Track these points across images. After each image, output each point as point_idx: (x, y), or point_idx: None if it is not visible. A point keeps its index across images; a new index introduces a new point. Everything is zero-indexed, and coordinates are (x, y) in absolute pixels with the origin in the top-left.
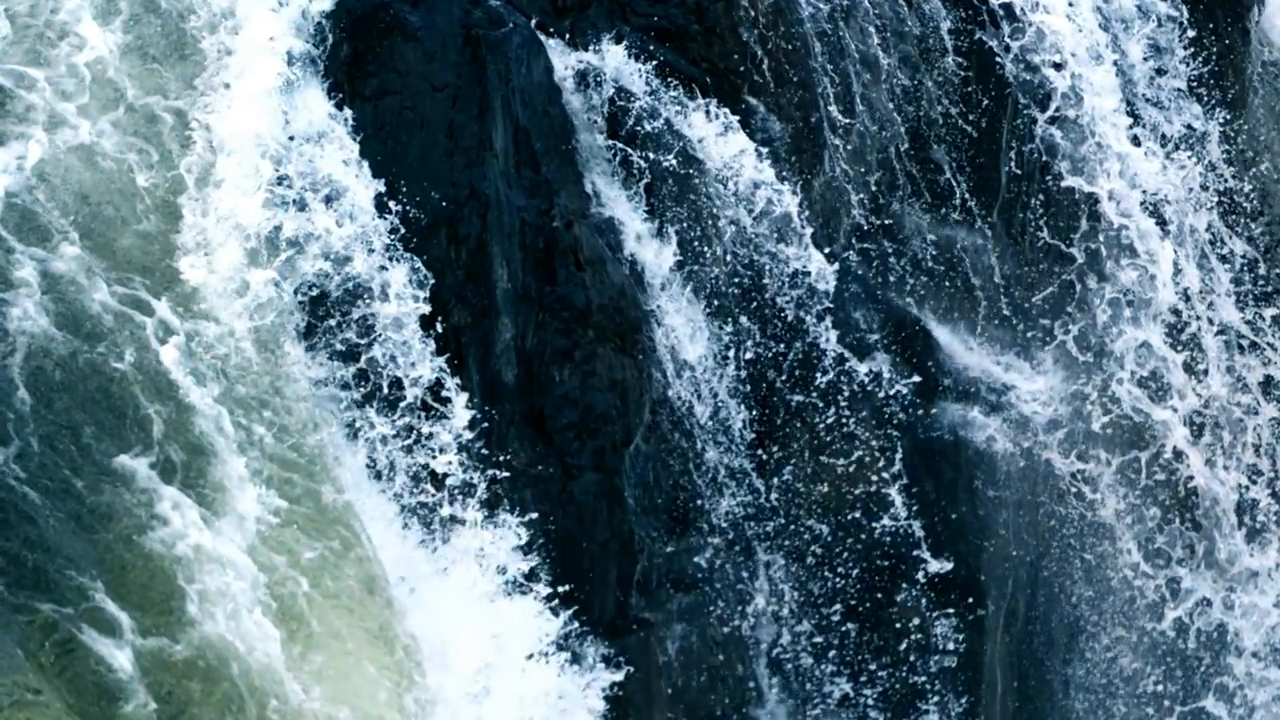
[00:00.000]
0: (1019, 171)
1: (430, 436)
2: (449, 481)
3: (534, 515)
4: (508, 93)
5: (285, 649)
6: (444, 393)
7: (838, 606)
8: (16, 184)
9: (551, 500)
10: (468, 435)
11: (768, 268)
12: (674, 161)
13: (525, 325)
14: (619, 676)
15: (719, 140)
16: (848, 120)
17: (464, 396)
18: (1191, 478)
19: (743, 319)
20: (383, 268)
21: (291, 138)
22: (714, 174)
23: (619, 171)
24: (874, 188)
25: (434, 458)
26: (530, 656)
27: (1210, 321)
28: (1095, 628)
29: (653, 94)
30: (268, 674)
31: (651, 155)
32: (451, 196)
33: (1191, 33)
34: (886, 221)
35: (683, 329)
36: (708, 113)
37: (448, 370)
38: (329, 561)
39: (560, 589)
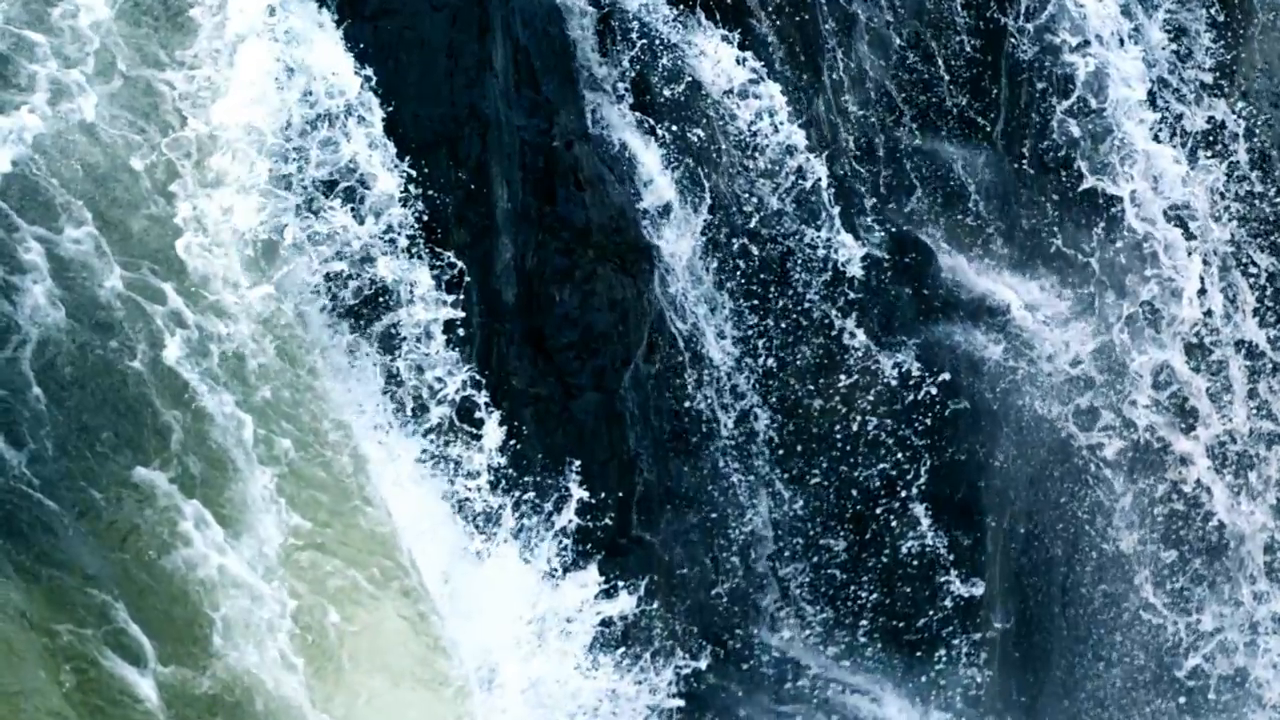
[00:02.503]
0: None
1: (462, 459)
2: (477, 508)
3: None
4: (507, 12)
5: (313, 686)
6: (477, 415)
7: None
8: (18, 156)
9: (551, 420)
10: (499, 460)
11: (794, 249)
12: (700, 134)
13: (525, 245)
14: (703, 663)
15: (751, 91)
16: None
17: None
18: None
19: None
20: (408, 269)
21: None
22: (742, 138)
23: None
24: (873, 106)
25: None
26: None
27: (1238, 345)
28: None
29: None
30: (295, 713)
31: (675, 127)
32: (451, 116)
33: (1222, 16)
34: (885, 140)
35: (707, 324)
36: (738, 60)
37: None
38: (365, 592)
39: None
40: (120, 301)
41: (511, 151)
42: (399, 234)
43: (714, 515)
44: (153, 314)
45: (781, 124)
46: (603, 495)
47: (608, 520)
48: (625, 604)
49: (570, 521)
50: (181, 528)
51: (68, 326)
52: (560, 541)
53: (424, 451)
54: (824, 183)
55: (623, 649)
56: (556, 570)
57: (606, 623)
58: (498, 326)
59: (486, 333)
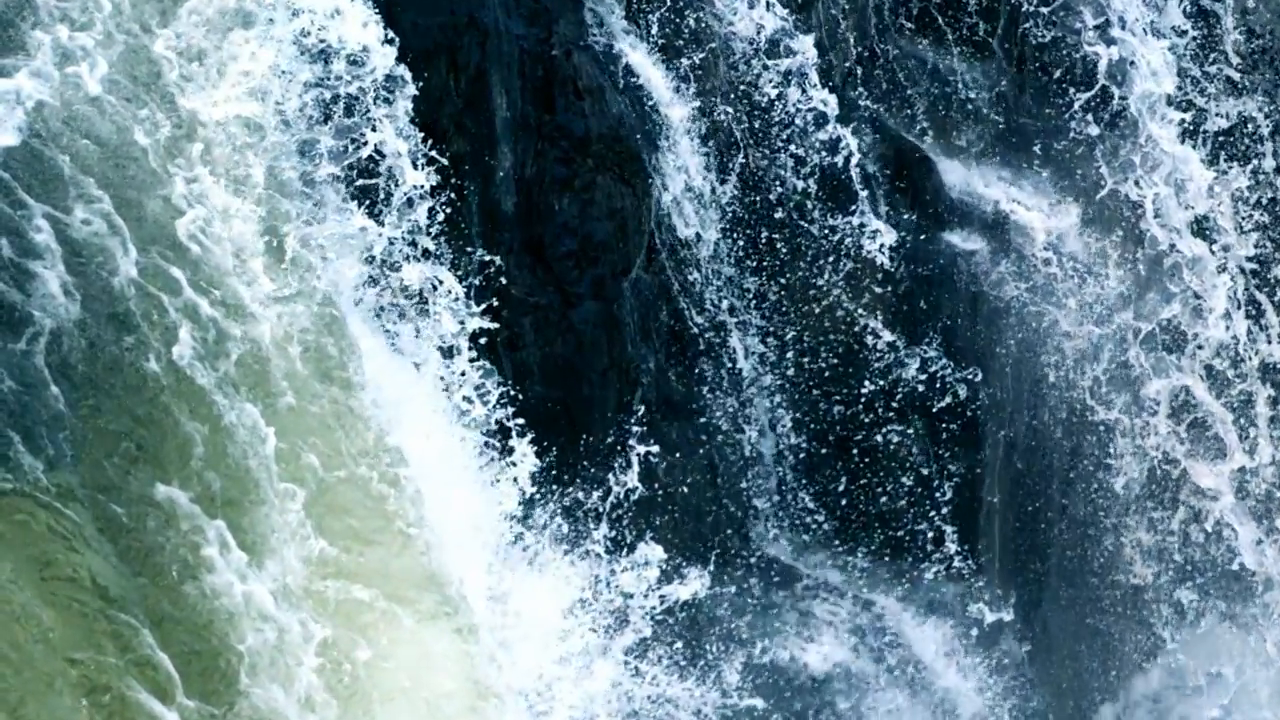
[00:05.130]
0: None
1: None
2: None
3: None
4: None
5: None
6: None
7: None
8: (24, 126)
9: (550, 329)
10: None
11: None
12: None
13: (524, 154)
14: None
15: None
16: None
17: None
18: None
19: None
20: (437, 274)
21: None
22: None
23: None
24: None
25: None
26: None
27: (1264, 372)
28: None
29: None
30: None
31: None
32: (450, 25)
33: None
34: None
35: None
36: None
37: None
38: (404, 627)
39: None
40: (135, 291)
41: (510, 60)
42: (428, 234)
43: (713, 424)
44: (168, 308)
45: (813, 87)
46: (604, 404)
47: (608, 429)
48: (694, 586)
49: (632, 489)
50: (205, 553)
51: (81, 318)
52: (614, 521)
53: (465, 467)
54: (855, 159)
55: (680, 643)
56: (613, 554)
57: (670, 610)
58: (497, 236)
59: (486, 242)
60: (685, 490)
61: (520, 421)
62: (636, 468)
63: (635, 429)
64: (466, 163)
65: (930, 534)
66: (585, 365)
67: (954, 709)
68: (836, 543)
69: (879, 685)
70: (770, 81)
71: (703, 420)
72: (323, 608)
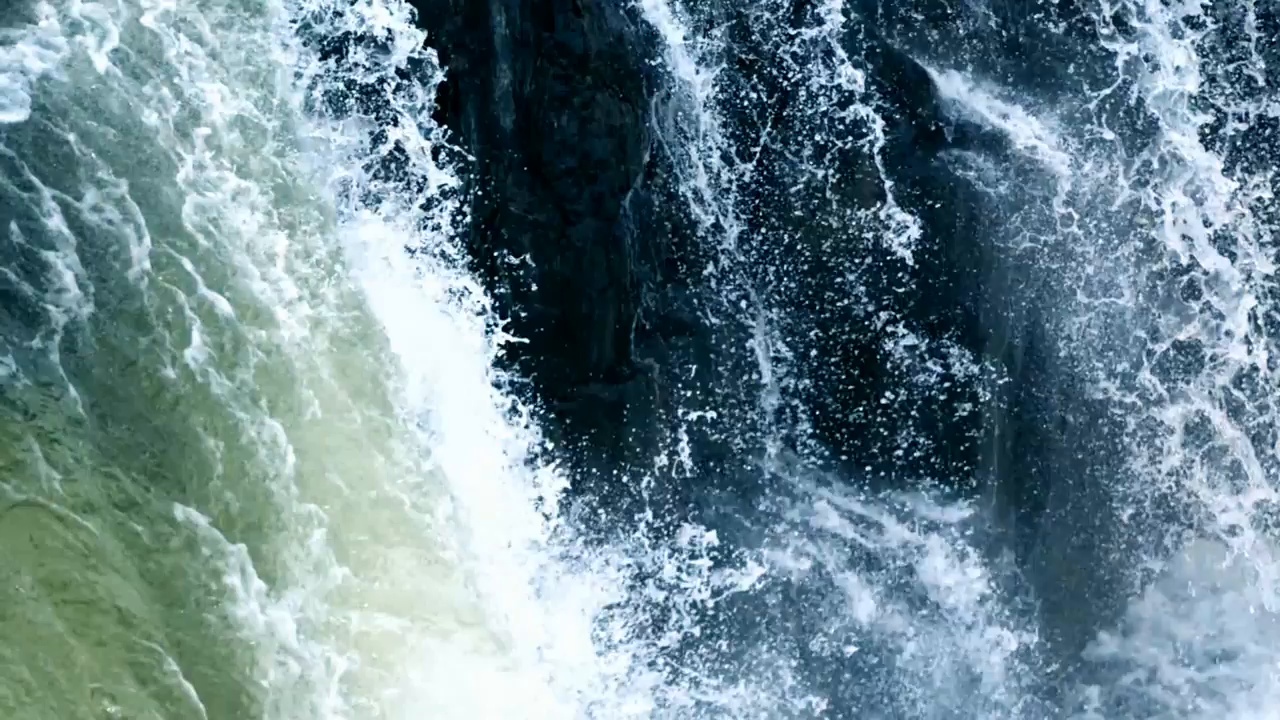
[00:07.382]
0: None
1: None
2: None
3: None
4: None
5: None
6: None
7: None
8: (32, 102)
9: (550, 246)
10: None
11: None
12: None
13: (523, 71)
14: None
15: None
16: None
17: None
18: None
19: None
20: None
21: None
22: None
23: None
24: None
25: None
26: None
27: None
28: None
29: None
30: None
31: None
32: None
33: None
34: None
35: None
36: None
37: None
38: (440, 664)
39: None
40: (149, 286)
41: None
42: (451, 241)
43: (713, 341)
44: (184, 307)
45: (842, 62)
46: (604, 321)
47: (607, 346)
48: (752, 575)
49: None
50: (227, 580)
51: (95, 314)
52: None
53: (503, 487)
54: (879, 144)
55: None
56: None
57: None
58: (496, 153)
59: (485, 160)
60: (682, 402)
61: (549, 444)
62: (687, 447)
63: (690, 415)
64: (465, 80)
65: (923, 455)
66: (584, 283)
67: (971, 666)
68: (840, 465)
69: (898, 624)
70: (794, 55)
71: (703, 335)
72: (348, 641)
